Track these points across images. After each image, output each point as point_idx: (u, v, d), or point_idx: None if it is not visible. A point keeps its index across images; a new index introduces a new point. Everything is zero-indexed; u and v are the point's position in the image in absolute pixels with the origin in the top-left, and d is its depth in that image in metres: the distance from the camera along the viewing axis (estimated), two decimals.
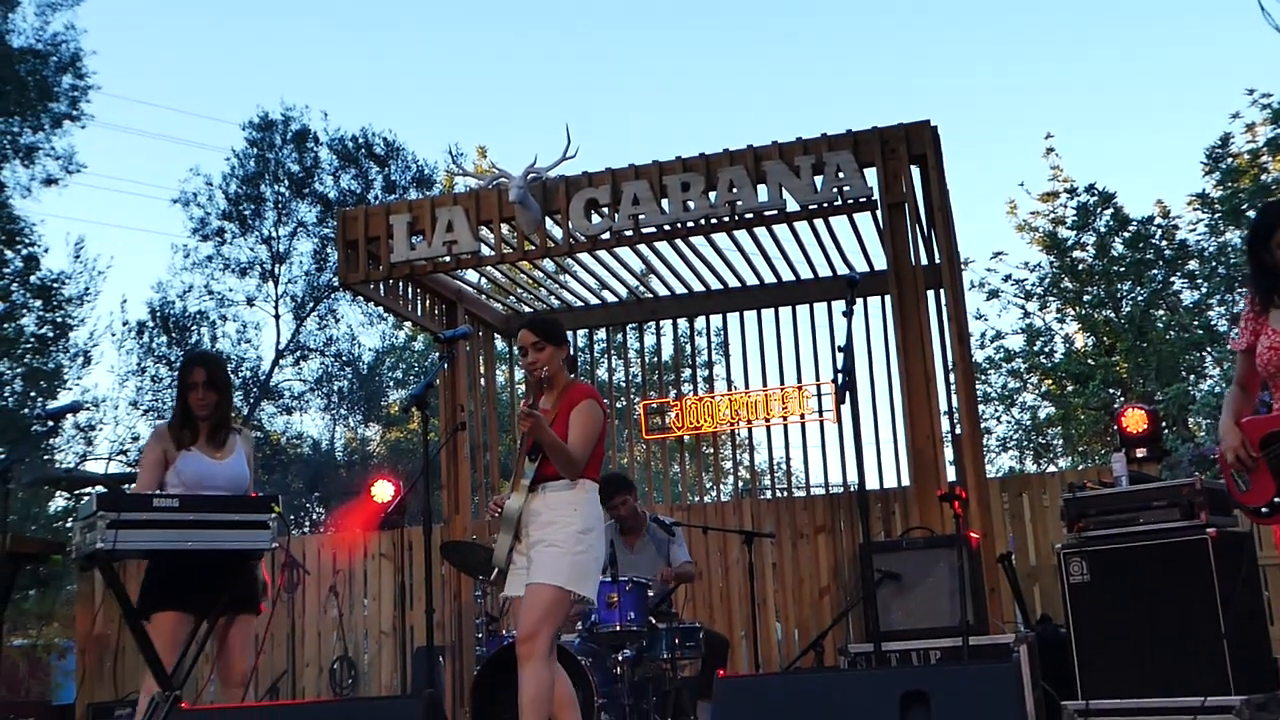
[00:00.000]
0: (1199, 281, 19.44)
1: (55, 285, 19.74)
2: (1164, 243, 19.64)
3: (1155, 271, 19.52)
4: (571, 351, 4.74)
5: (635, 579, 5.86)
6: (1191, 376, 19.32)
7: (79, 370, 20.38)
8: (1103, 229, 19.76)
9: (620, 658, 5.67)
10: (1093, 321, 20.08)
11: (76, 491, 17.94)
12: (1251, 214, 18.40)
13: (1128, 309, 19.54)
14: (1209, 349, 19.09)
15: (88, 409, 20.20)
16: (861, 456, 4.39)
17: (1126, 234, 19.55)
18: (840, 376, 4.17)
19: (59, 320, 19.86)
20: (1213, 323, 19.12)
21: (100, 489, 4.11)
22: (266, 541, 4.14)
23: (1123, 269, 19.56)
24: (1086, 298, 20.13)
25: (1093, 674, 5.30)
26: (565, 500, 4.40)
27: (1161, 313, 19.57)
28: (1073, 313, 20.69)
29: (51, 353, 19.86)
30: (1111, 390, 19.42)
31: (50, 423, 16.04)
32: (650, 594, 5.96)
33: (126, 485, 4.97)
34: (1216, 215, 18.96)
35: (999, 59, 45.21)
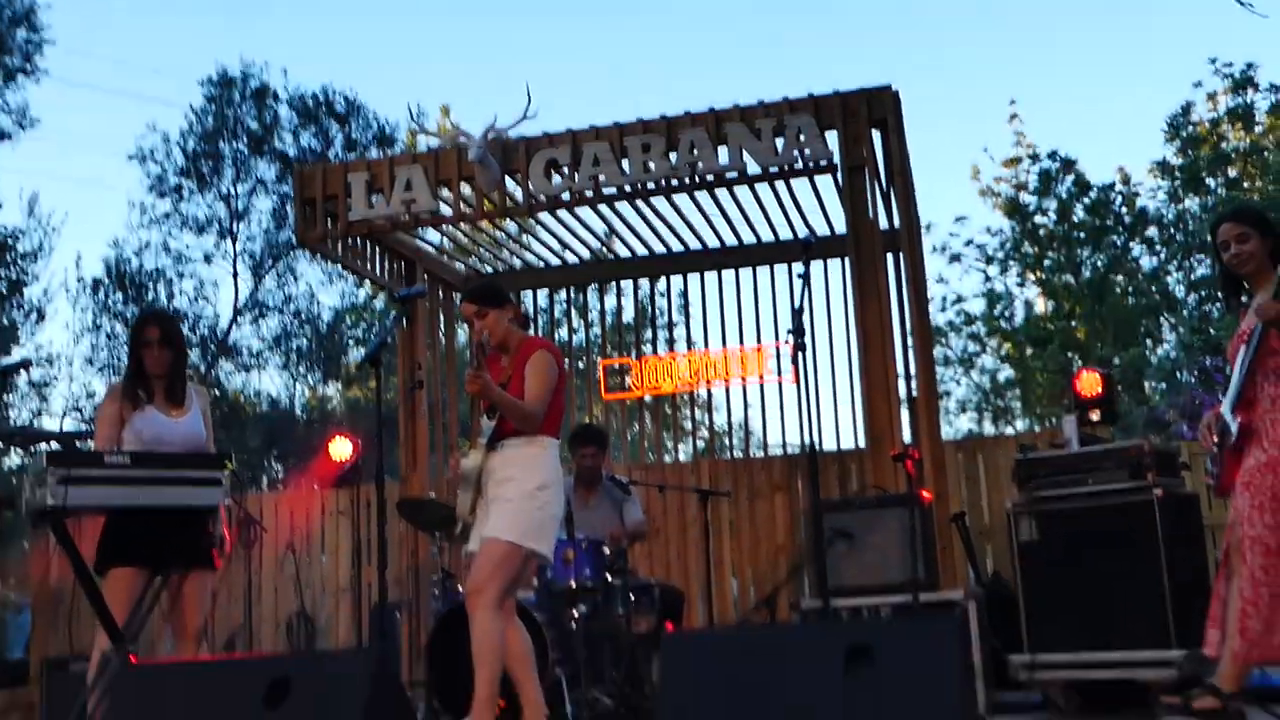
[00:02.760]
0: (1158, 248, 19.66)
1: (9, 241, 19.48)
2: (1124, 209, 19.82)
3: (1115, 237, 19.71)
4: (523, 309, 4.73)
5: (591, 537, 5.89)
6: (1148, 341, 19.57)
7: (33, 327, 20.20)
8: (1064, 195, 19.93)
9: (576, 614, 5.71)
10: (1052, 286, 20.27)
11: (29, 448, 17.78)
12: (1210, 181, 18.67)
13: (1087, 274, 19.73)
14: (1165, 315, 19.33)
15: (40, 366, 20.00)
16: (815, 417, 4.43)
17: (1087, 200, 19.72)
18: (794, 338, 4.19)
19: (13, 277, 19.62)
20: (1170, 288, 19.36)
21: (52, 445, 4.07)
22: (219, 498, 4.14)
23: (1083, 235, 19.75)
24: (1047, 262, 20.32)
25: (1039, 629, 5.41)
26: (523, 456, 4.42)
27: (1120, 278, 19.77)
28: (1033, 277, 20.87)
29: (5, 309, 19.64)
30: (1070, 354, 19.63)
31: (0, 378, 15.92)
32: (606, 551, 5.99)
33: (81, 442, 4.92)
34: (1176, 183, 19.15)
35: (964, 24, 45.20)
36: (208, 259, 21.75)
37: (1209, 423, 4.15)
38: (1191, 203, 18.97)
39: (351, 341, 23.68)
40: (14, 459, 19.96)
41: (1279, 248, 4.10)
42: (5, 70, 19.25)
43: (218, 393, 21.23)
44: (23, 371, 18.13)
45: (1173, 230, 19.08)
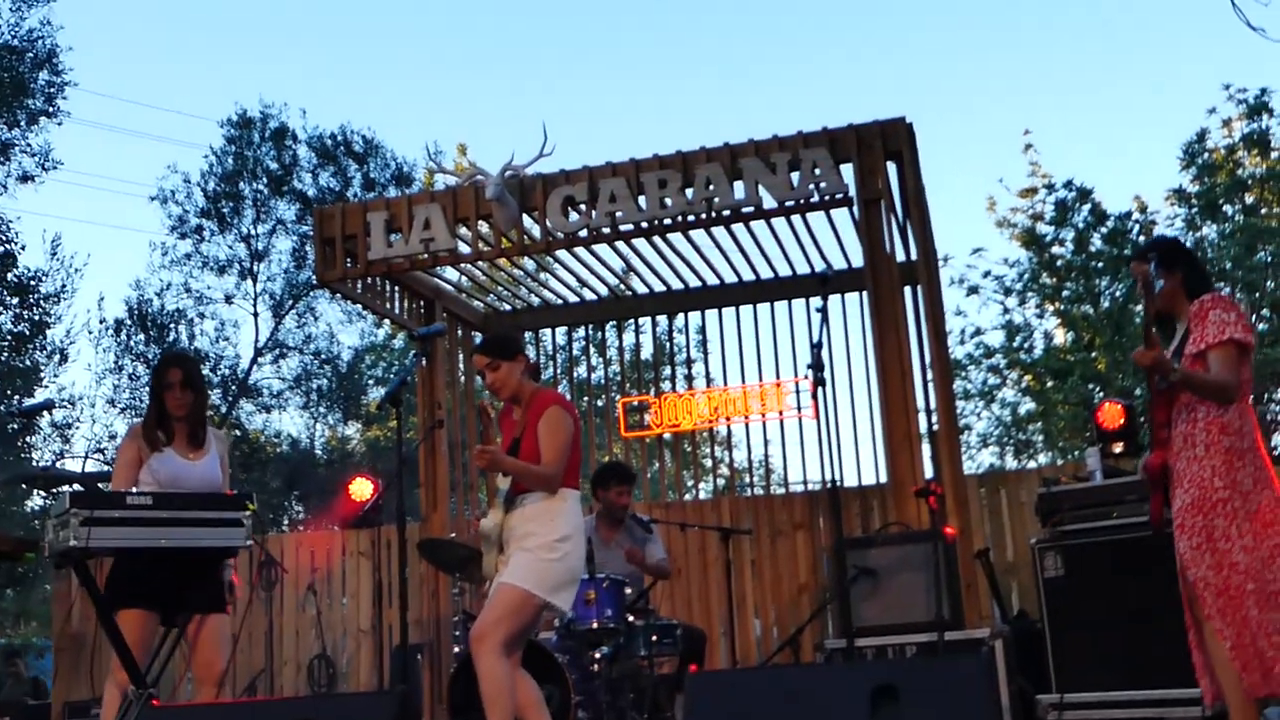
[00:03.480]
0: None
1: (32, 283, 19.64)
2: (1141, 238, 19.71)
3: None
4: (533, 359, 4.72)
5: (613, 576, 5.86)
6: None
7: (56, 368, 20.31)
8: (1081, 225, 19.84)
9: (597, 655, 5.67)
10: (1071, 317, 20.15)
11: (52, 490, 17.85)
12: (1227, 208, 18.61)
13: (1106, 304, 19.63)
14: None
15: (63, 407, 20.10)
16: (835, 453, 4.41)
17: (1104, 229, 19.63)
18: (813, 374, 4.18)
19: (36, 318, 19.76)
20: None
21: (75, 487, 4.08)
22: (240, 539, 4.13)
23: (1101, 264, 19.64)
24: (1065, 293, 20.21)
25: (1067, 667, 5.33)
26: (543, 511, 4.39)
27: (1139, 308, 19.66)
28: (1052, 308, 20.75)
29: (28, 350, 19.76)
30: (1090, 385, 19.49)
31: (23, 420, 15.99)
32: (628, 591, 5.96)
33: (103, 483, 4.94)
34: (1193, 210, 19.06)
35: (978, 56, 45.39)
36: (228, 299, 21.90)
37: (1144, 460, 4.23)
38: (1209, 230, 18.89)
39: (371, 381, 23.76)
40: (36, 501, 20.03)
41: (1191, 278, 4.11)
42: (28, 113, 19.46)
43: (238, 433, 21.30)
44: (46, 413, 18.22)
45: None
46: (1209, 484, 3.90)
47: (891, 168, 7.04)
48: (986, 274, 20.84)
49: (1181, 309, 4.09)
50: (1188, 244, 19.27)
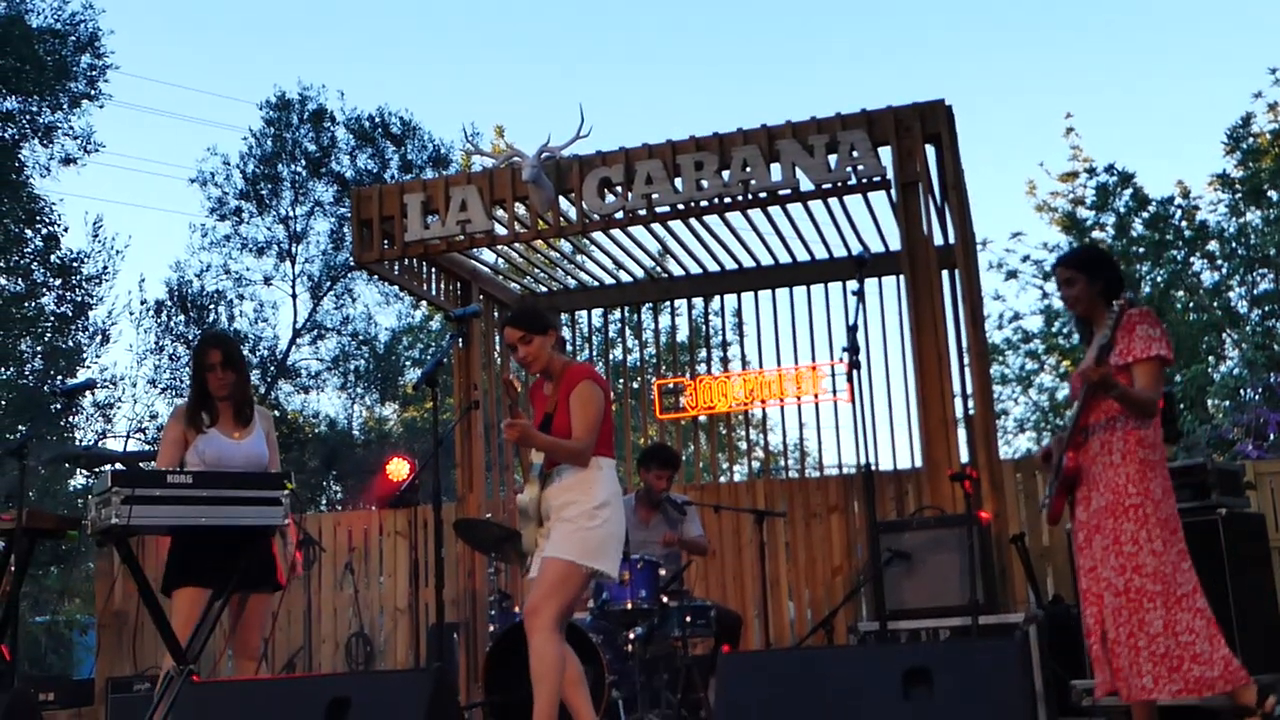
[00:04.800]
0: (1219, 262, 19.31)
1: (75, 264, 19.87)
2: (1184, 223, 19.49)
3: (1175, 252, 19.38)
4: (561, 332, 4.73)
5: (647, 557, 5.89)
6: (1211, 358, 19.21)
7: (98, 349, 20.55)
8: (1122, 209, 19.62)
9: (632, 635, 5.70)
10: None
11: (95, 469, 18.09)
12: (1272, 194, 18.35)
13: (1147, 290, 19.42)
14: (1228, 331, 18.99)
15: (105, 387, 20.35)
16: (869, 436, 4.41)
17: (1146, 214, 19.40)
18: (848, 356, 4.18)
19: (78, 299, 20.00)
20: (1232, 304, 19.00)
21: (117, 466, 4.14)
22: (279, 517, 4.19)
23: (1142, 250, 19.43)
24: None
25: None
26: (580, 480, 4.42)
27: (1181, 294, 19.44)
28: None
29: (71, 331, 20.01)
30: None
31: (66, 400, 16.21)
32: (662, 572, 5.98)
33: (145, 463, 5.03)
34: (1237, 195, 18.81)
35: (1019, 38, 44.90)
36: (267, 281, 22.04)
37: (1046, 451, 4.42)
38: (1253, 216, 18.63)
39: (408, 362, 23.87)
40: (79, 480, 20.31)
41: (1111, 287, 4.23)
42: (70, 96, 19.64)
43: (277, 413, 21.48)
44: (88, 393, 18.46)
45: (1234, 244, 18.73)
46: (1123, 490, 4.07)
47: (930, 151, 6.99)
48: (1025, 258, 20.66)
49: (1100, 315, 4.20)
50: (1228, 231, 19.08)
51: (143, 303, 21.54)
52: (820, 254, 8.77)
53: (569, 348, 4.57)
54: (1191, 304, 19.28)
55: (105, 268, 20.29)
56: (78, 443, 19.68)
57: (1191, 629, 3.95)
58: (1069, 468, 4.20)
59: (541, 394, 4.60)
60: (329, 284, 22.16)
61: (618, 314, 10.01)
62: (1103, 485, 4.12)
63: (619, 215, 7.39)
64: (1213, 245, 19.29)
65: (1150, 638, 3.94)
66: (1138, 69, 41.41)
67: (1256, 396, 16.24)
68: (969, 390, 7.19)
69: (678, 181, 7.19)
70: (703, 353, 9.88)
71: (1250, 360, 17.02)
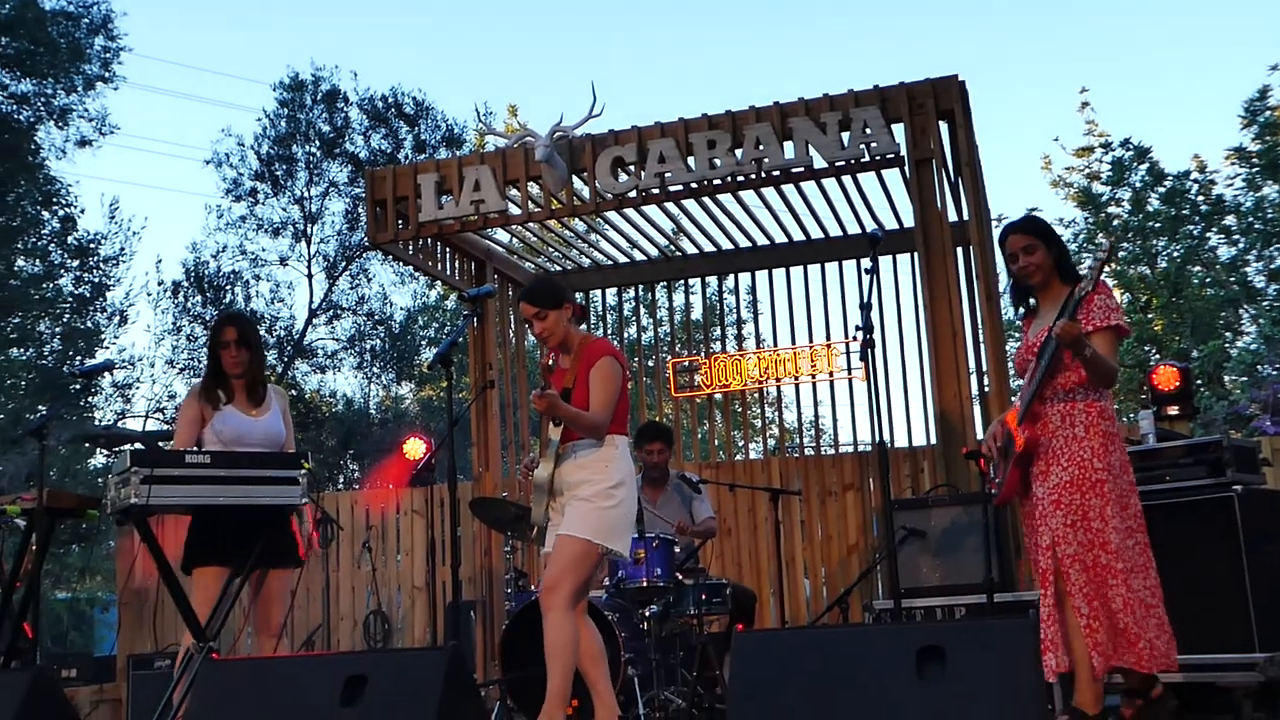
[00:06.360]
0: (1236, 237, 19.19)
1: (92, 245, 19.98)
2: (1200, 198, 19.37)
3: (1191, 227, 19.28)
4: (580, 305, 4.74)
5: (663, 535, 5.91)
6: (1228, 334, 19.12)
7: (116, 329, 20.67)
8: (1138, 184, 19.52)
9: (647, 613, 5.73)
10: (1128, 278, 19.88)
11: (114, 448, 18.20)
12: None
13: (1163, 265, 19.33)
14: (1245, 306, 18.88)
15: (123, 367, 20.47)
16: (884, 414, 4.42)
17: (1162, 189, 19.30)
18: (862, 334, 4.18)
19: (96, 280, 20.10)
20: (1249, 279, 18.89)
21: (136, 445, 4.17)
22: (297, 496, 4.21)
23: (1158, 225, 19.33)
24: (1122, 254, 19.93)
25: None
26: (596, 458, 4.44)
27: (1197, 269, 19.35)
28: (1108, 269, 20.45)
29: (89, 312, 20.13)
30: (1146, 347, 19.25)
31: (85, 380, 16.32)
32: (677, 550, 6.00)
33: (163, 442, 5.05)
34: (1254, 169, 18.68)
35: (1032, 12, 44.56)
36: (283, 261, 22.09)
37: (994, 431, 4.29)
38: (1270, 190, 18.51)
39: (423, 341, 23.92)
40: (99, 459, 20.44)
41: (1064, 258, 4.22)
42: (85, 78, 19.68)
43: (294, 393, 21.57)
44: (107, 373, 18.57)
45: (1251, 219, 18.61)
46: (1088, 464, 4.02)
47: (944, 127, 6.97)
48: None
49: (1053, 287, 4.20)
50: (1245, 205, 18.93)
51: (160, 283, 21.65)
52: (834, 231, 8.76)
53: (583, 327, 4.57)
54: (1209, 279, 19.18)
55: (122, 249, 20.40)
56: (97, 423, 19.81)
57: (1145, 604, 3.97)
58: (1028, 441, 4.12)
59: (559, 368, 4.62)
60: (344, 264, 22.20)
61: (632, 293, 10.00)
62: (1065, 459, 4.06)
63: (632, 194, 7.39)
64: (1230, 220, 19.18)
65: (1111, 613, 3.94)
66: (1153, 40, 41.08)
67: (1274, 372, 16.16)
68: (984, 367, 7.18)
69: (691, 160, 7.19)
70: (717, 331, 9.89)
71: (1268, 335, 16.92)
